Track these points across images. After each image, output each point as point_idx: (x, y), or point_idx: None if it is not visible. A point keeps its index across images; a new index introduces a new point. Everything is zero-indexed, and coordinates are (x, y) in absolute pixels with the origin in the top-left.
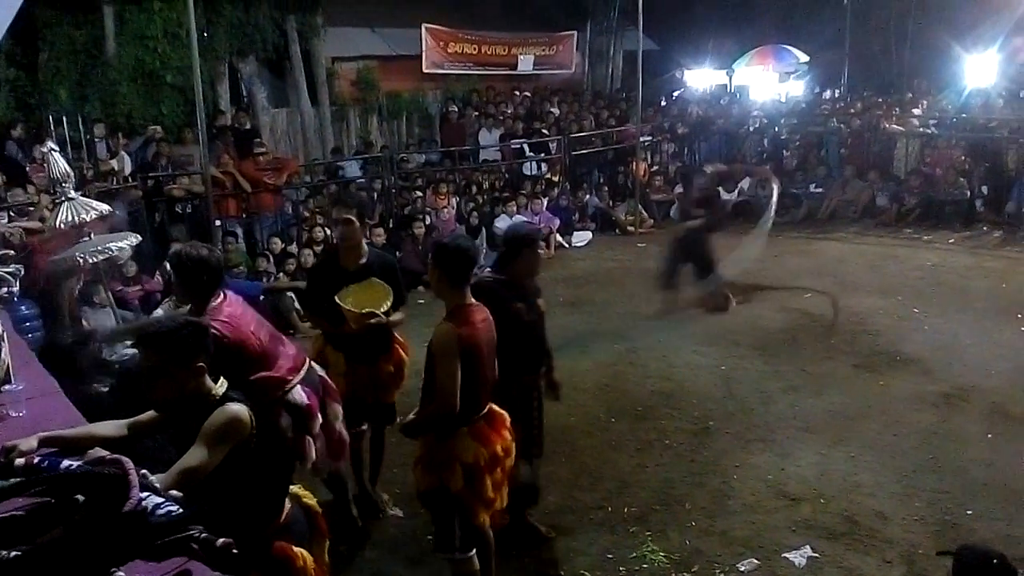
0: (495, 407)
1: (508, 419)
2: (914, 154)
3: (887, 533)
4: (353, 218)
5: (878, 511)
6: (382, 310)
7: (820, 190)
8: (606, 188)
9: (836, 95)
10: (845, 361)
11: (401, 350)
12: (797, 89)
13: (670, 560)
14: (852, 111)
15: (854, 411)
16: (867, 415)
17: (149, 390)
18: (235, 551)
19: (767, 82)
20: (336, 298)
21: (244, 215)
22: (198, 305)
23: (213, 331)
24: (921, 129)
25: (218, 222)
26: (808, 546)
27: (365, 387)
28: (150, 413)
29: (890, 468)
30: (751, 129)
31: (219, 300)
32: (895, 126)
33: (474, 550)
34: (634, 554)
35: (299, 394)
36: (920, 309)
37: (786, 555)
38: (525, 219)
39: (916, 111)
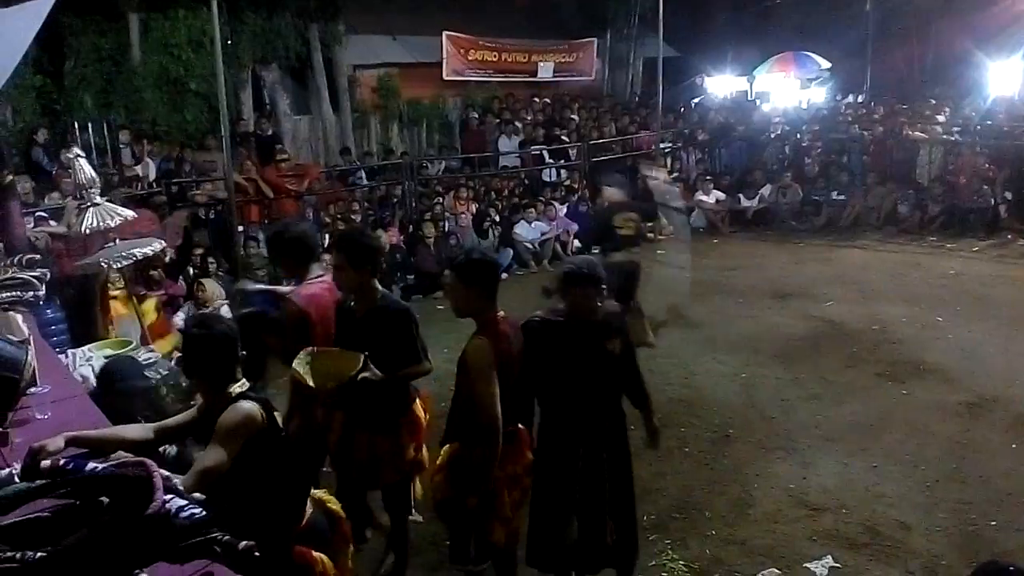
0: (520, 426)
1: (529, 439)
2: (937, 161)
3: (910, 544)
4: (344, 264)
5: (901, 521)
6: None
7: (842, 197)
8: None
9: (858, 102)
10: (867, 370)
11: (412, 427)
12: (819, 96)
13: (690, 569)
14: (875, 117)
15: (876, 420)
16: (889, 424)
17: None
18: (257, 554)
19: (788, 89)
20: (294, 363)
21: (266, 221)
22: (299, 276)
23: (289, 300)
24: (944, 136)
25: (240, 228)
26: (829, 556)
27: (360, 456)
28: (177, 418)
29: (913, 478)
30: (772, 136)
31: (315, 277)
32: (918, 133)
33: (488, 563)
34: (653, 563)
35: None
36: (943, 318)
37: (807, 565)
38: (543, 226)
39: (940, 118)
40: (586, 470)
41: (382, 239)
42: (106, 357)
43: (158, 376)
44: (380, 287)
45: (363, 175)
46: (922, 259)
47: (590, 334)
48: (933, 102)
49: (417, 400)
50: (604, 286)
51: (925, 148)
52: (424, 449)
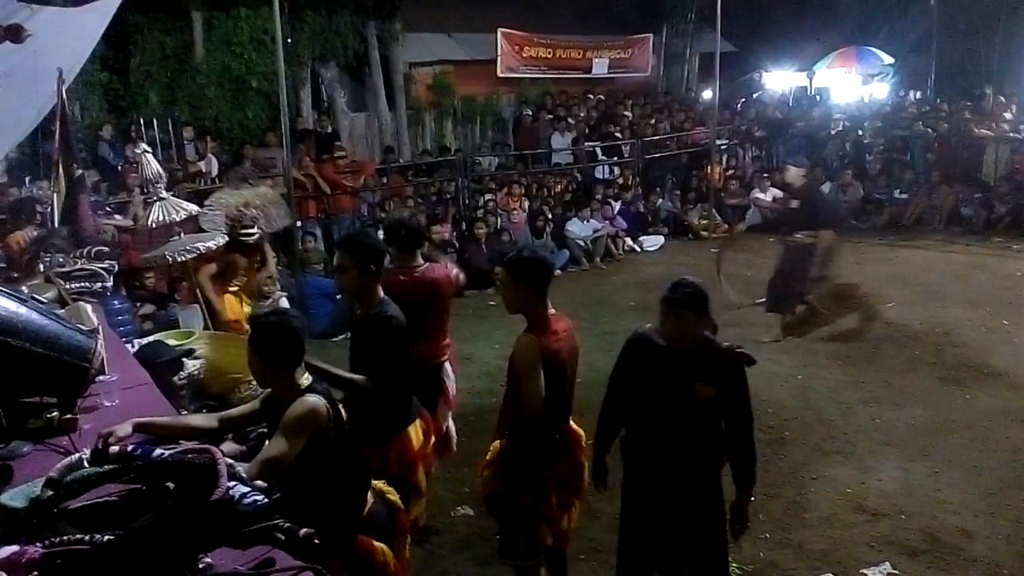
0: (573, 425)
1: (584, 439)
2: (1004, 160)
3: (971, 552)
4: (348, 265)
5: (961, 529)
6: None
7: (905, 196)
8: (678, 192)
9: (922, 98)
10: (929, 373)
11: (401, 449)
12: (881, 92)
13: (743, 572)
14: (940, 114)
15: (938, 425)
16: (951, 429)
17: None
18: (316, 541)
19: (850, 84)
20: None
21: (323, 216)
22: (401, 260)
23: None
24: (1011, 134)
25: (299, 223)
26: (888, 563)
27: None
28: (241, 408)
29: (975, 485)
30: (832, 132)
31: (419, 263)
32: (984, 131)
33: (539, 558)
34: None
35: (448, 370)
36: (1009, 321)
37: (864, 571)
38: (596, 223)
39: (1007, 115)
40: (654, 512)
41: (438, 234)
42: None
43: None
44: (382, 294)
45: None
46: (988, 260)
47: (681, 368)
48: (1002, 99)
49: (417, 422)
50: (703, 313)
51: (991, 146)
52: (419, 474)
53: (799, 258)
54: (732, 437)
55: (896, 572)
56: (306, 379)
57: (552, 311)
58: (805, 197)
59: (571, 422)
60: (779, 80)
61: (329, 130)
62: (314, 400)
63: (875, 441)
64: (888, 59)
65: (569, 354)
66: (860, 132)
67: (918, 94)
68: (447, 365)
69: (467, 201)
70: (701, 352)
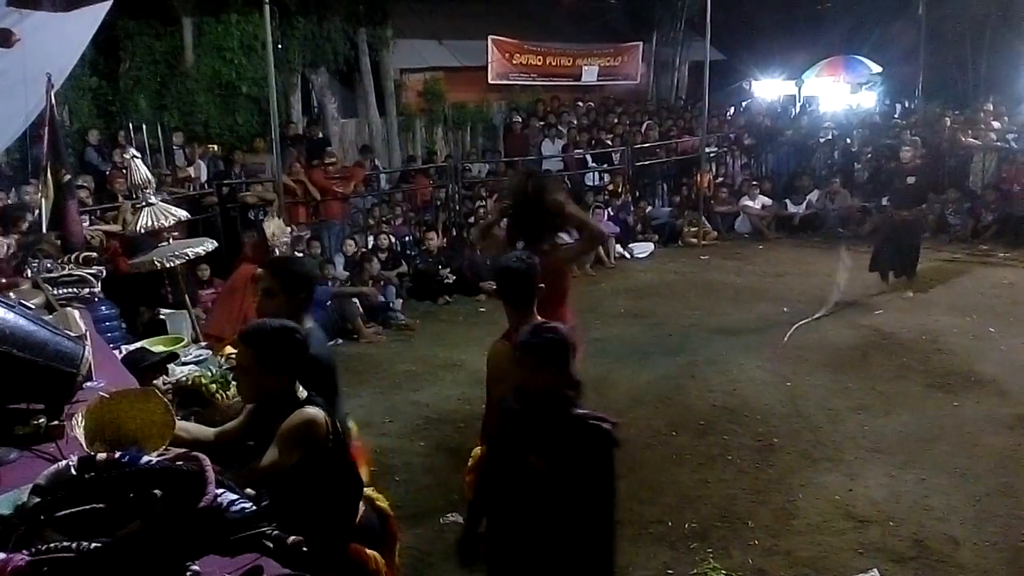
0: None
1: None
2: (991, 168)
3: (958, 558)
4: (274, 289)
5: (949, 535)
6: None
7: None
8: (677, 199)
9: (910, 107)
10: (917, 380)
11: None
12: (869, 100)
13: None
14: (929, 121)
15: (926, 432)
16: (939, 437)
17: (238, 387)
18: (305, 549)
19: (838, 93)
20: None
21: (313, 222)
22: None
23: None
24: (999, 143)
25: (289, 228)
26: (875, 570)
27: None
28: (234, 423)
29: (962, 492)
30: (821, 140)
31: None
32: (972, 139)
33: None
34: (694, 570)
35: None
36: (996, 328)
37: None
38: None
39: (995, 124)
40: None
41: (433, 241)
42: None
43: (209, 373)
44: (309, 324)
45: (382, 180)
46: (974, 268)
47: (519, 430)
48: (990, 108)
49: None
50: (562, 367)
51: (978, 155)
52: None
53: (908, 231)
54: (575, 531)
55: None
56: (303, 392)
57: (536, 319)
58: (924, 174)
59: None
60: (768, 89)
61: (319, 136)
62: (314, 412)
63: (863, 448)
64: (876, 68)
65: None
66: (848, 140)
67: (911, 103)
68: None
69: (458, 208)
70: (544, 415)
